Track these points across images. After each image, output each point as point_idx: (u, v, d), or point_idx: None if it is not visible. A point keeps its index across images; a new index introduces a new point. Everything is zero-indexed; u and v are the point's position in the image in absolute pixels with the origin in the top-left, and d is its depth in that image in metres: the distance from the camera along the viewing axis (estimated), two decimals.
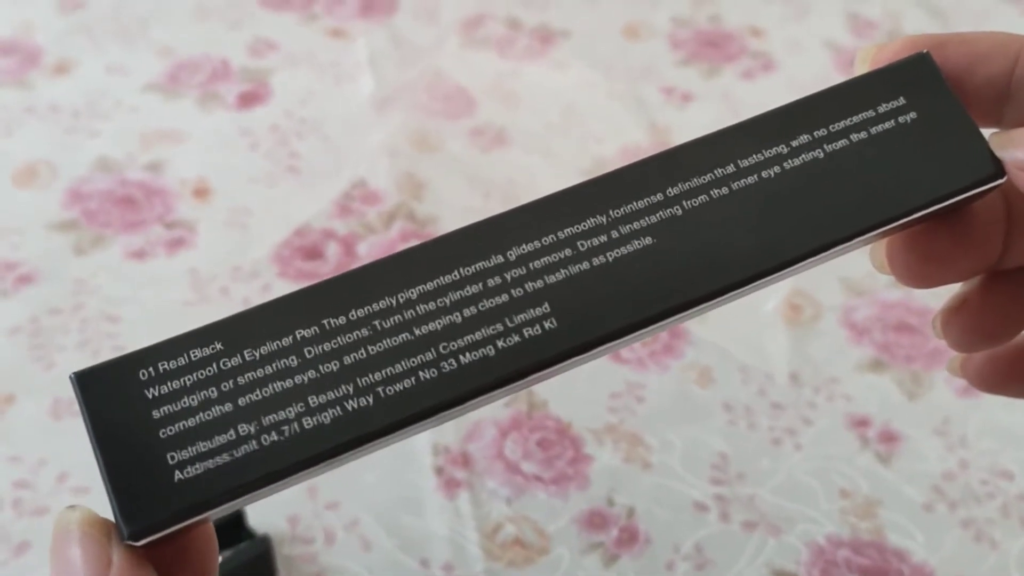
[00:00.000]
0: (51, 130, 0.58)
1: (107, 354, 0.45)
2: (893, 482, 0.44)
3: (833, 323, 0.50)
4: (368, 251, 0.52)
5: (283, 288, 0.50)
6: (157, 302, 0.49)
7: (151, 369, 0.18)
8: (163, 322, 0.48)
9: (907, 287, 0.23)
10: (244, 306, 0.23)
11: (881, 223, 0.21)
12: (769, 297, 0.51)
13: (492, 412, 0.45)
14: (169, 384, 0.18)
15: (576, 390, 0.46)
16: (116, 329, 0.48)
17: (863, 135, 0.21)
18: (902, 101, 0.21)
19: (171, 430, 0.18)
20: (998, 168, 0.21)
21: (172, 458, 0.18)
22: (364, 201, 0.55)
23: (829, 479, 0.44)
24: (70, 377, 0.18)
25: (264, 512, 0.41)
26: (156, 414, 0.18)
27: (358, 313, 0.19)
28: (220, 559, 0.38)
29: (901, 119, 0.21)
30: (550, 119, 0.61)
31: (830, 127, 0.21)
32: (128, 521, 0.17)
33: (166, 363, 0.19)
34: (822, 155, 0.21)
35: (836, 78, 0.22)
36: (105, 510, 0.18)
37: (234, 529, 0.39)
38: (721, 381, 0.47)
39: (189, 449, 0.18)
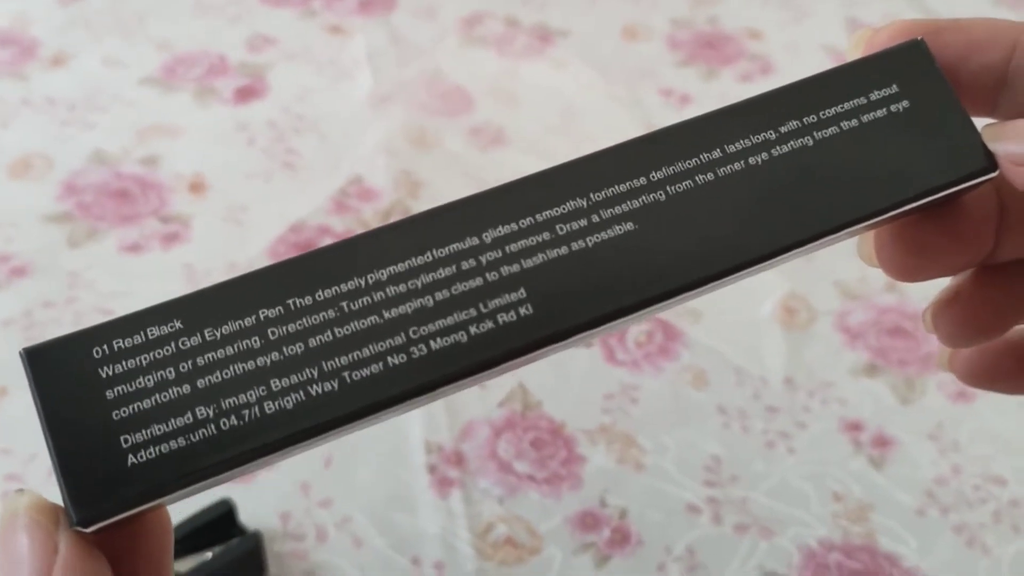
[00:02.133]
0: (47, 122, 0.58)
1: None
2: (885, 487, 0.44)
3: (828, 327, 0.50)
4: None
5: None
6: (151, 296, 0.49)
7: (106, 347, 0.17)
8: None
9: (898, 282, 0.23)
10: None
11: (869, 215, 0.20)
12: (765, 300, 0.51)
13: (486, 411, 0.45)
14: (124, 363, 0.17)
15: (570, 391, 0.46)
16: None
17: (854, 123, 0.20)
18: (895, 89, 0.21)
19: (125, 412, 0.17)
20: (991, 161, 0.20)
21: (125, 441, 0.17)
22: (361, 198, 0.55)
23: (822, 483, 0.44)
24: (19, 353, 0.17)
25: (256, 508, 0.41)
26: (110, 394, 0.17)
27: (325, 294, 0.18)
28: (210, 555, 0.38)
29: (893, 107, 0.21)
30: (548, 119, 0.61)
31: (820, 114, 0.20)
32: (77, 507, 0.17)
33: (121, 341, 0.18)
34: (811, 142, 0.20)
35: None
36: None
37: (225, 525, 0.39)
38: (716, 384, 0.47)
39: (144, 432, 0.17)
